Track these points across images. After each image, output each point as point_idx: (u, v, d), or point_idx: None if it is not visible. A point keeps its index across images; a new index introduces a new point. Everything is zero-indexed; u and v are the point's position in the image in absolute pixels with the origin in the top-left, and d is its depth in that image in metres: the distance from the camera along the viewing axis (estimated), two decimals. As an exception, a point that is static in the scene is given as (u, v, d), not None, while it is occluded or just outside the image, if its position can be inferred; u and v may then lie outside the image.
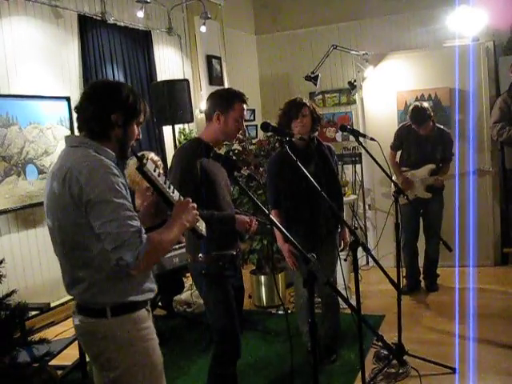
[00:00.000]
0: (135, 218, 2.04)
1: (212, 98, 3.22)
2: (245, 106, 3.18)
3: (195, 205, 2.29)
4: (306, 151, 3.93)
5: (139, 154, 2.15)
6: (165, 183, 2.24)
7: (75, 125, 5.87)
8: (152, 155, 4.78)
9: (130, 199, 2.08)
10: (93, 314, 2.15)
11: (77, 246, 2.10)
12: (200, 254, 3.09)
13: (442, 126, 5.53)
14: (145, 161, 2.12)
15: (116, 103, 2.16)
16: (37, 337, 2.59)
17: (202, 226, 2.36)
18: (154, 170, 2.17)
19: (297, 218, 3.93)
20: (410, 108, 5.41)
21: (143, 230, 2.05)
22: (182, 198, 2.30)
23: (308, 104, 3.97)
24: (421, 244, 5.76)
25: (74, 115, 5.71)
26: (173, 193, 2.27)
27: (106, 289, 2.12)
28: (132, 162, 4.18)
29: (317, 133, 4.09)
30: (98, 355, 2.20)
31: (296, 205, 3.93)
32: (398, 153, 5.74)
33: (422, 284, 5.79)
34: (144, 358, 2.19)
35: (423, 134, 5.40)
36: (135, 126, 2.24)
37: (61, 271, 2.23)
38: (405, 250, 5.60)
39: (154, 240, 2.06)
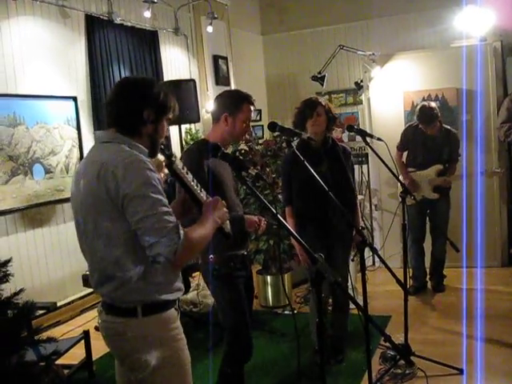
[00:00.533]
0: (172, 214, 2.02)
1: (220, 99, 3.22)
2: (252, 107, 3.18)
3: (225, 203, 2.30)
4: (318, 151, 3.92)
5: (168, 152, 2.15)
6: (193, 181, 2.23)
7: (82, 124, 5.88)
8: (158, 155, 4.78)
9: (165, 195, 2.06)
10: (122, 313, 2.12)
11: (110, 243, 2.07)
12: (211, 255, 3.10)
13: (448, 127, 5.51)
14: (173, 158, 2.12)
15: (148, 100, 2.15)
16: (44, 335, 2.59)
17: (227, 225, 2.36)
18: (183, 168, 2.17)
19: (308, 217, 3.92)
20: (418, 108, 5.40)
21: (180, 226, 2.02)
22: (208, 196, 2.30)
23: (323, 103, 3.95)
24: (427, 245, 5.75)
25: (82, 115, 5.73)
26: (200, 191, 2.27)
27: (136, 287, 2.09)
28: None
29: (334, 133, 4.08)
30: (127, 355, 2.17)
31: (307, 204, 3.92)
32: (405, 154, 5.73)
33: (429, 285, 5.77)
34: (173, 357, 2.18)
35: (430, 133, 5.39)
36: (165, 123, 2.23)
37: (89, 270, 2.21)
38: (411, 250, 5.58)
39: (191, 236, 2.04)
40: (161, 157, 5.00)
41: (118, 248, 2.06)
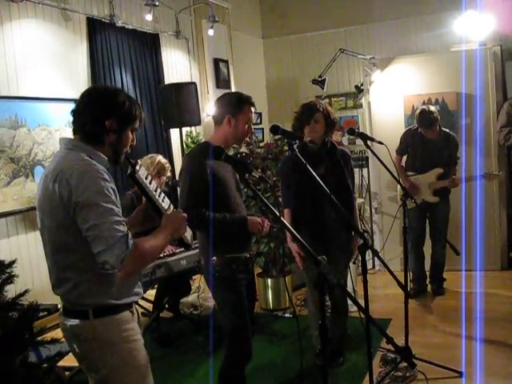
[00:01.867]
0: (123, 224, 2.07)
1: (221, 102, 3.24)
2: (253, 109, 3.22)
3: (185, 215, 2.33)
4: (317, 154, 3.94)
5: (133, 161, 2.18)
6: (155, 190, 2.28)
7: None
8: (160, 158, 4.80)
9: (119, 204, 2.11)
10: (76, 315, 2.18)
11: (63, 247, 2.13)
12: (213, 257, 3.11)
13: (447, 130, 5.54)
14: (137, 167, 2.17)
15: (111, 109, 2.18)
16: (48, 337, 2.61)
17: (189, 235, 2.41)
18: (146, 178, 2.22)
19: (304, 219, 3.94)
20: (418, 111, 5.43)
21: (130, 236, 2.07)
22: (172, 207, 2.35)
23: (322, 109, 3.94)
24: (427, 248, 5.76)
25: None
26: (163, 201, 2.31)
27: (89, 290, 2.14)
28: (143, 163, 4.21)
29: (334, 136, 4.09)
30: (82, 357, 2.23)
31: (305, 207, 3.94)
32: (404, 157, 5.75)
33: (429, 288, 5.78)
34: (128, 358, 2.21)
35: (430, 137, 5.41)
36: (130, 133, 2.25)
37: (48, 271, 2.26)
38: (411, 253, 5.59)
39: (141, 246, 2.09)
40: (164, 160, 5.03)
41: (71, 253, 2.12)
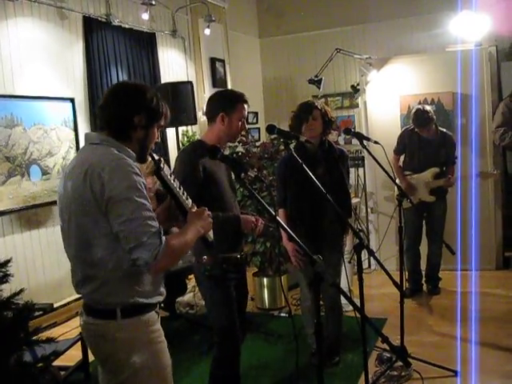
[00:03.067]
0: (155, 219, 2.04)
1: (214, 99, 3.24)
2: (246, 106, 3.21)
3: (210, 213, 2.31)
4: (315, 154, 3.94)
5: (156, 158, 2.16)
6: (179, 188, 2.26)
7: (79, 126, 5.88)
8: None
9: (149, 200, 2.08)
10: (102, 315, 2.14)
11: (92, 244, 2.08)
12: (204, 256, 3.11)
13: (444, 130, 5.56)
14: (162, 165, 2.15)
15: (140, 105, 2.17)
16: (44, 336, 2.60)
17: (211, 234, 2.38)
18: (170, 175, 2.20)
19: (301, 219, 3.94)
20: (413, 111, 5.44)
21: (162, 232, 2.05)
22: (194, 205, 2.32)
23: (319, 107, 3.95)
24: (423, 247, 5.77)
25: (79, 116, 5.73)
26: (186, 199, 2.29)
27: (117, 289, 2.11)
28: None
29: (330, 136, 4.10)
30: (106, 358, 2.19)
31: (300, 206, 3.94)
32: (402, 157, 5.76)
33: (424, 287, 5.80)
34: (153, 360, 2.19)
35: (426, 136, 5.42)
36: (156, 129, 2.25)
37: (71, 270, 2.22)
38: (407, 253, 5.61)
39: (172, 243, 2.06)
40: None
41: (101, 249, 2.08)
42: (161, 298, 2.29)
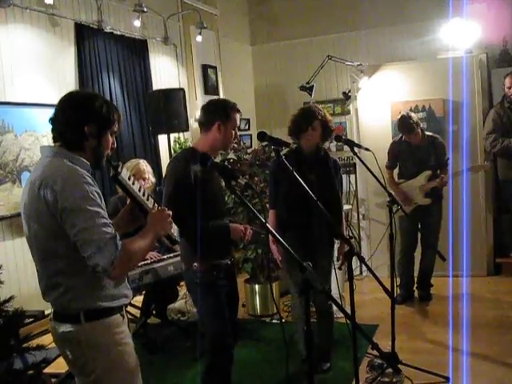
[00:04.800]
0: (110, 225, 2.09)
1: (210, 108, 3.25)
2: (239, 115, 3.26)
3: (170, 213, 2.34)
4: (310, 160, 3.95)
5: (114, 164, 2.20)
6: (139, 190, 2.31)
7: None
8: (140, 162, 4.76)
9: (104, 207, 2.13)
10: (67, 319, 2.19)
11: (52, 253, 2.14)
12: (194, 263, 3.11)
13: (431, 133, 5.61)
14: (119, 169, 2.20)
15: (89, 114, 2.19)
16: (34, 343, 2.59)
17: (175, 232, 2.44)
18: (129, 178, 2.25)
19: (290, 224, 3.95)
20: (398, 118, 5.50)
21: (118, 237, 2.09)
22: (156, 205, 2.37)
23: (320, 116, 3.94)
24: (416, 253, 5.79)
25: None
26: (147, 200, 2.34)
27: (80, 295, 2.16)
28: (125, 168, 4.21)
29: (327, 144, 4.11)
30: (74, 360, 2.24)
31: (291, 211, 3.95)
32: (397, 169, 5.78)
33: (416, 294, 5.81)
34: (119, 361, 2.23)
35: (415, 143, 5.46)
36: (109, 136, 2.27)
37: (38, 278, 2.26)
38: (402, 260, 5.63)
39: (129, 247, 2.11)
40: (143, 165, 5.00)
41: (61, 259, 2.13)
42: (126, 301, 2.33)
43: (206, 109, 3.27)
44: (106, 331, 2.21)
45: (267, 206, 4.25)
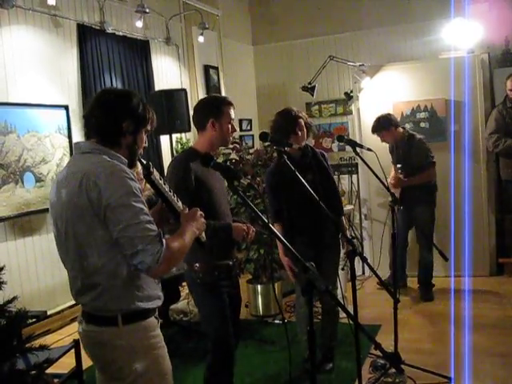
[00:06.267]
0: (153, 223, 2.06)
1: (201, 107, 3.24)
2: (232, 108, 3.23)
3: (203, 213, 2.33)
4: (302, 160, 3.94)
5: (145, 163, 2.18)
6: (170, 191, 2.28)
7: (73, 133, 5.86)
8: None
9: (146, 204, 2.10)
10: (103, 322, 2.14)
11: (91, 252, 2.09)
12: (196, 264, 3.11)
13: (413, 133, 5.74)
14: (151, 169, 2.16)
15: (127, 111, 2.19)
16: (37, 343, 2.60)
17: (204, 234, 2.41)
18: (160, 179, 2.22)
19: (299, 227, 3.94)
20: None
21: (162, 235, 2.06)
22: (185, 206, 2.34)
23: (300, 115, 3.94)
24: (414, 253, 5.80)
25: (73, 123, 5.70)
26: (177, 201, 2.32)
27: (117, 295, 2.11)
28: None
29: (312, 141, 4.10)
30: (108, 364, 2.19)
31: (297, 214, 3.93)
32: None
33: (418, 294, 5.80)
34: (155, 365, 2.20)
35: (395, 142, 5.67)
36: (143, 134, 2.27)
37: (70, 279, 2.21)
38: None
39: (172, 245, 2.08)
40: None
41: (100, 257, 2.08)
42: (159, 302, 2.29)
43: (197, 109, 3.26)
44: (143, 335, 2.18)
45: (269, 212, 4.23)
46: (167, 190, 2.27)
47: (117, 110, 2.18)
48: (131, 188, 2.04)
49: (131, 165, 2.25)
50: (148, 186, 4.81)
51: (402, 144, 5.65)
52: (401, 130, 5.70)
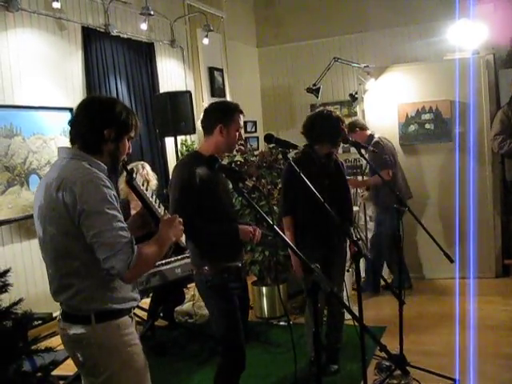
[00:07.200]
0: (126, 229, 2.12)
1: (211, 112, 3.24)
2: (242, 116, 3.24)
3: (181, 220, 2.37)
4: (325, 165, 3.96)
5: (129, 169, 2.24)
6: (151, 197, 2.35)
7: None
8: (140, 164, 4.79)
9: (120, 211, 2.16)
10: (78, 320, 2.20)
11: (67, 254, 2.16)
12: (205, 267, 3.11)
13: (373, 134, 5.88)
14: (134, 175, 2.25)
15: (109, 119, 2.23)
16: (43, 345, 2.61)
17: (183, 239, 2.46)
18: (143, 184, 2.30)
19: (312, 226, 3.94)
20: None
21: (134, 241, 2.12)
22: (166, 212, 2.40)
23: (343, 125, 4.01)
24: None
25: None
26: (159, 207, 2.38)
27: (92, 296, 2.18)
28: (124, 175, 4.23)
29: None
30: (83, 361, 2.25)
31: (313, 214, 3.92)
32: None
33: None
34: (128, 362, 2.26)
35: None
36: (127, 141, 2.31)
37: (48, 278, 2.29)
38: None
39: (144, 252, 2.15)
40: (146, 169, 5.02)
41: (75, 260, 2.15)
42: (134, 304, 2.35)
43: (207, 112, 3.26)
44: (116, 332, 2.23)
45: (275, 208, 4.24)
46: (149, 195, 2.34)
47: (99, 117, 2.23)
48: (106, 195, 2.10)
49: (113, 171, 2.31)
50: (152, 183, 4.83)
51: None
52: (367, 132, 5.83)
